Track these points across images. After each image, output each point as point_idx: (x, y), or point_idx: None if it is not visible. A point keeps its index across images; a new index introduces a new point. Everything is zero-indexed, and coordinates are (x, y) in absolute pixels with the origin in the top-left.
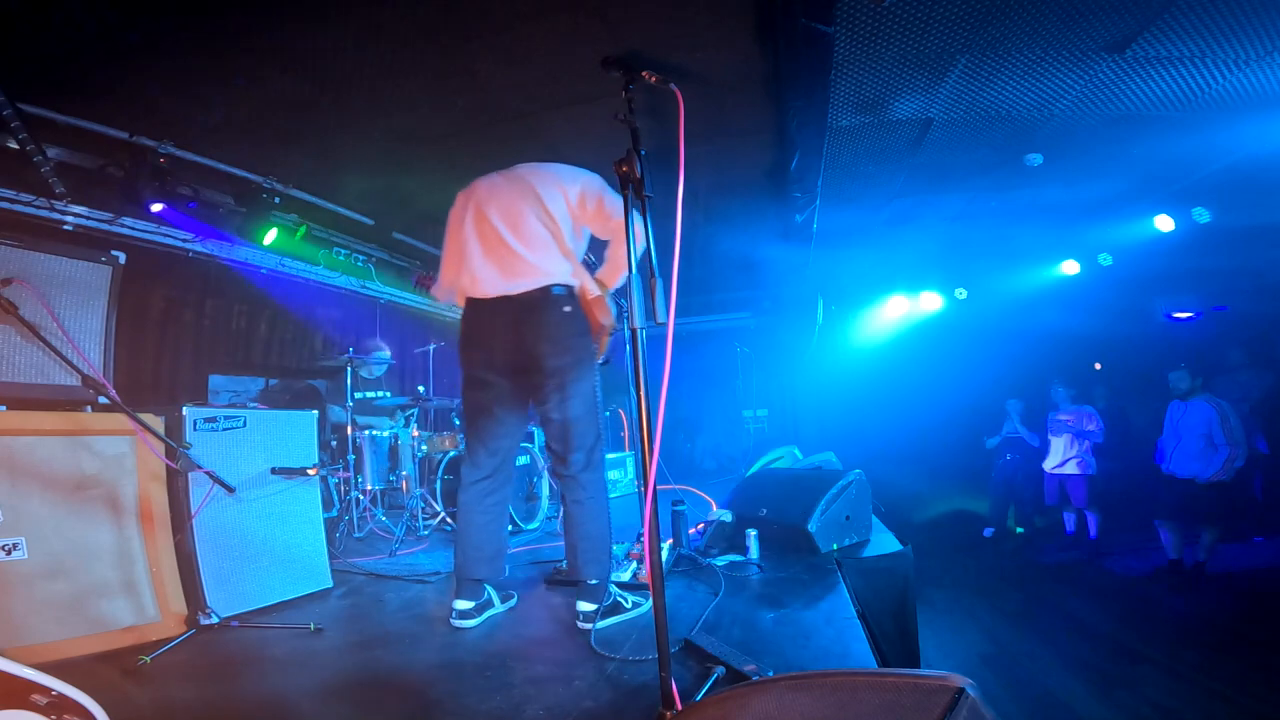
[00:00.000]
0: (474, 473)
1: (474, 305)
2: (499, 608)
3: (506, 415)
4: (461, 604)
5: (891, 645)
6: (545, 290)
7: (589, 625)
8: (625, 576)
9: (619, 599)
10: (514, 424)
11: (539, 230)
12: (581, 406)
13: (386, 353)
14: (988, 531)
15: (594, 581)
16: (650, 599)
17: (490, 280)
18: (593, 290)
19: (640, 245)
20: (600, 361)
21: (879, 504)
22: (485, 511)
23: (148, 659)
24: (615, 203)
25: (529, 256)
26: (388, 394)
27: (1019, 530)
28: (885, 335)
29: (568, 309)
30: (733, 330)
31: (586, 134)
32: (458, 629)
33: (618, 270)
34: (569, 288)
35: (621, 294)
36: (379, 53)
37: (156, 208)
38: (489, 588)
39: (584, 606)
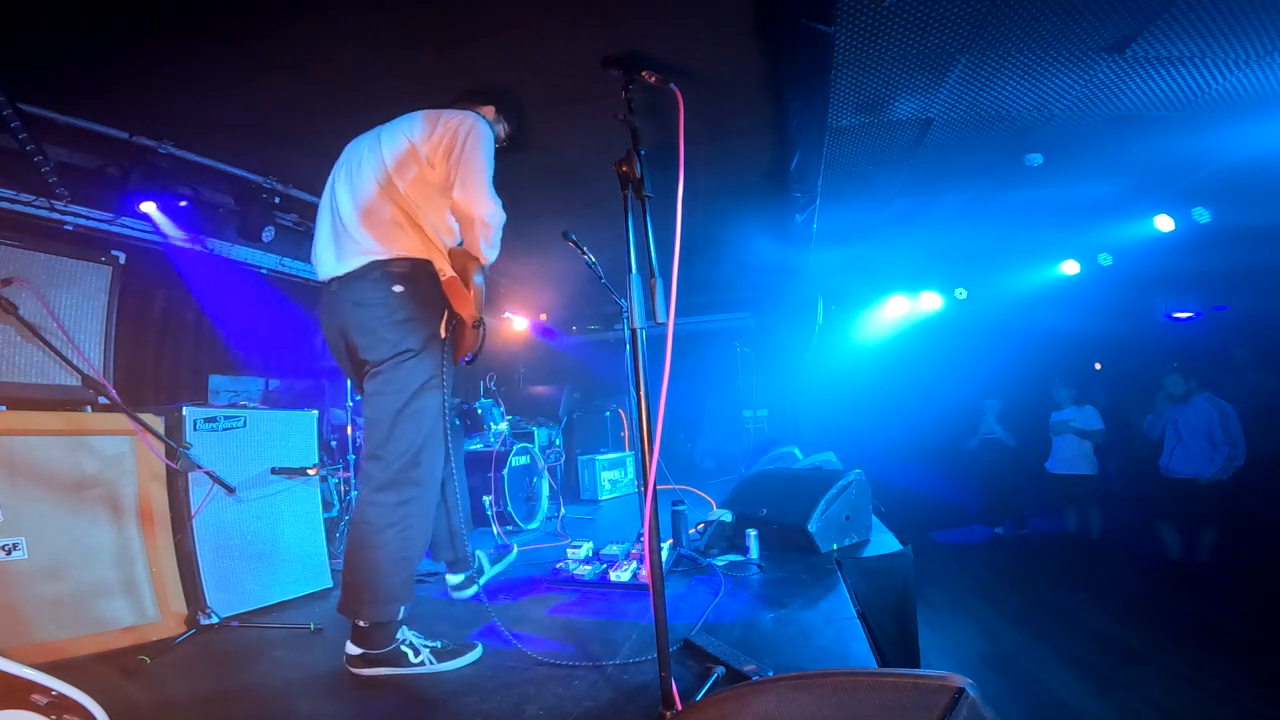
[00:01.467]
0: None
1: (321, 290)
2: (491, 570)
3: None
4: (453, 578)
5: (891, 645)
6: (371, 266)
7: (361, 671)
8: (625, 577)
9: (403, 648)
10: None
11: (374, 196)
12: (390, 406)
13: None
14: (999, 530)
15: (364, 624)
16: (448, 662)
17: (325, 261)
18: (446, 270)
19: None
20: (465, 360)
21: (879, 504)
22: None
23: (148, 659)
24: (474, 155)
25: (357, 229)
26: None
27: (1019, 530)
28: (885, 335)
29: (399, 288)
30: (733, 330)
31: (586, 134)
32: (455, 618)
33: (475, 242)
34: (410, 263)
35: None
36: (379, 52)
37: (149, 207)
38: (479, 553)
39: (351, 649)
